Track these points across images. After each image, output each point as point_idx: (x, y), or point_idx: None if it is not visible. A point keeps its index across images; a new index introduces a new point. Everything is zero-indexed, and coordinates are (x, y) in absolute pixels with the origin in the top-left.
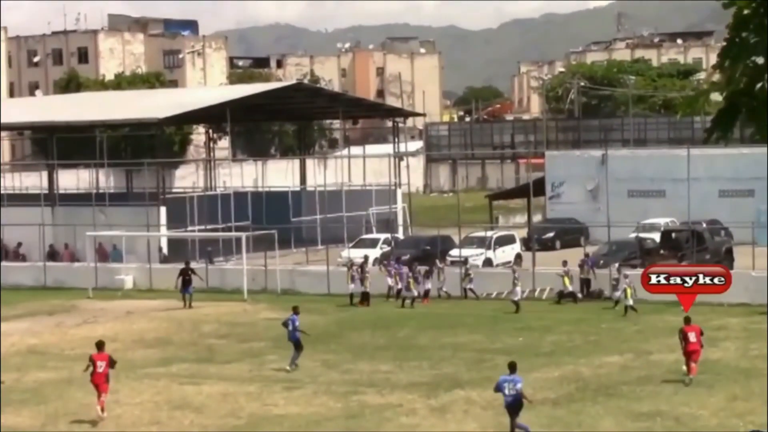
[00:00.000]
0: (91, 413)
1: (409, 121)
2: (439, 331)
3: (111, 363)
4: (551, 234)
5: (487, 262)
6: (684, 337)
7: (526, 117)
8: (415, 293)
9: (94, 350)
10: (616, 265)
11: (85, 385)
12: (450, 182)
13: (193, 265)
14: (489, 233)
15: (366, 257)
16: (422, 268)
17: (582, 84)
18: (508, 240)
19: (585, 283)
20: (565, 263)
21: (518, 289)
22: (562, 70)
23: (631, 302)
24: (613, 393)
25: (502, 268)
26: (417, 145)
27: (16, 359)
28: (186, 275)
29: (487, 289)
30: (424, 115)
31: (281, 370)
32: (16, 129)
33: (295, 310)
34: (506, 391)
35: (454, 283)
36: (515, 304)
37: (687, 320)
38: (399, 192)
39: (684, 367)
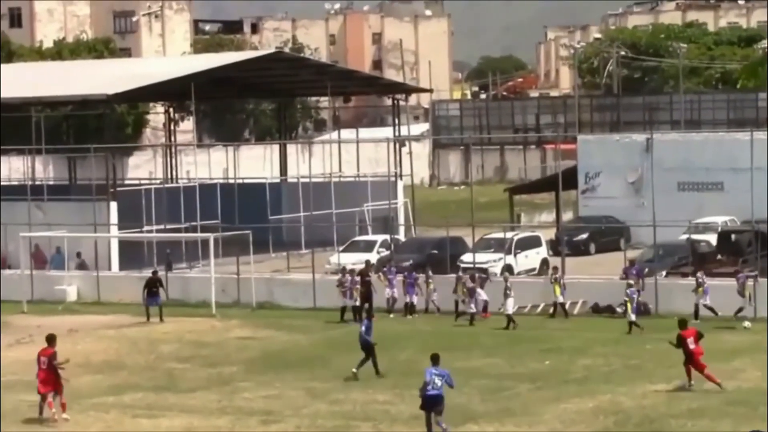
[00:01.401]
0: None
1: (413, 99)
2: (449, 354)
3: (54, 357)
4: (584, 235)
5: (507, 270)
6: (683, 343)
7: (554, 93)
8: (473, 308)
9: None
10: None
11: (17, 418)
12: (462, 172)
13: (149, 273)
14: (509, 234)
15: (368, 262)
16: (471, 275)
17: (622, 53)
18: (532, 243)
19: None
20: (555, 269)
21: (510, 300)
22: (598, 36)
23: (633, 317)
24: (659, 428)
25: (525, 276)
26: (422, 127)
27: None
28: (153, 287)
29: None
30: (430, 91)
31: (257, 399)
32: None
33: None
34: (436, 383)
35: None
36: (508, 319)
37: (682, 324)
38: (400, 184)
39: (686, 376)
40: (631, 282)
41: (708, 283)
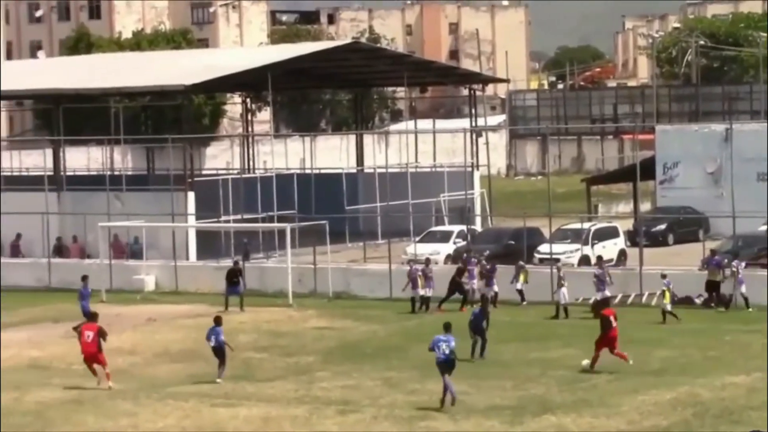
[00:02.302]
0: None
1: (489, 89)
2: (525, 344)
3: (102, 334)
4: (663, 226)
5: (584, 261)
6: (606, 323)
7: (631, 83)
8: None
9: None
10: None
11: (97, 406)
12: (539, 163)
13: (226, 262)
14: (586, 225)
15: (462, 251)
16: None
17: (701, 43)
18: (609, 233)
19: (711, 286)
20: (559, 270)
21: (564, 290)
22: (677, 25)
23: (669, 307)
24: (738, 420)
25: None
26: (499, 118)
27: (15, 375)
28: (234, 277)
29: (583, 293)
30: (507, 81)
31: (334, 389)
32: (15, 98)
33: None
34: (441, 351)
35: (543, 286)
36: (558, 310)
37: (605, 303)
38: (476, 175)
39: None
40: (665, 273)
41: None
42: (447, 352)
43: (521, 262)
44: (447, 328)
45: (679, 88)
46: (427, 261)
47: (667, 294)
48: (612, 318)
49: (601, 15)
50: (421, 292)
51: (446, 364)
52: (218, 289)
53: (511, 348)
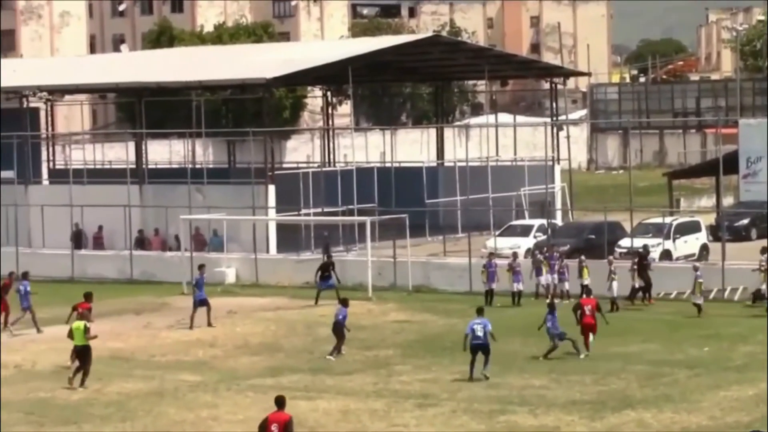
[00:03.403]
0: (186, 430)
1: (570, 82)
2: (605, 339)
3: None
4: (745, 221)
5: (666, 255)
6: (580, 309)
7: (714, 77)
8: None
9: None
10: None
11: (178, 398)
12: (620, 157)
13: (306, 255)
14: (668, 219)
15: (646, 246)
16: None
17: None
18: (691, 228)
19: None
20: (611, 263)
21: (615, 284)
22: (762, 18)
23: (700, 300)
24: None
25: (683, 261)
26: (580, 111)
27: (97, 366)
28: (326, 270)
29: (664, 288)
30: (588, 74)
31: (413, 382)
32: (98, 91)
33: (344, 303)
34: (476, 333)
35: (624, 280)
36: (612, 303)
37: (587, 292)
38: (557, 168)
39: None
40: (698, 265)
41: None
42: (481, 335)
43: (583, 257)
44: (480, 312)
45: (763, 81)
46: (515, 255)
47: (699, 287)
48: (585, 306)
49: (684, 7)
50: (517, 286)
51: (480, 348)
52: (298, 282)
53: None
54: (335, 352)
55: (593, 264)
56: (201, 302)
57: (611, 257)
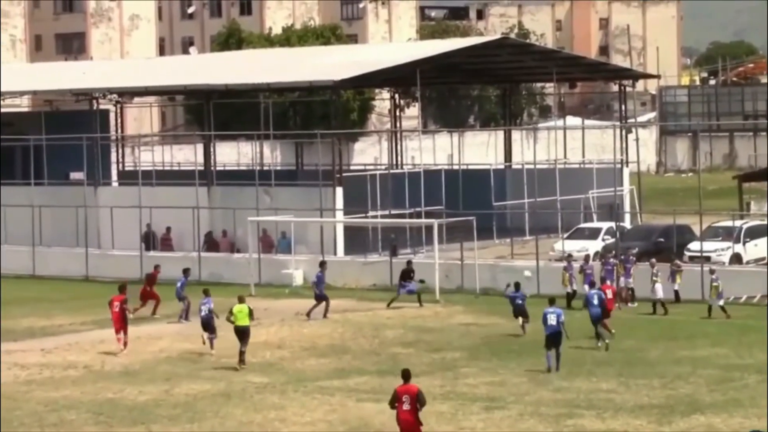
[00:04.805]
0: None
1: (640, 85)
2: (674, 343)
3: (125, 302)
4: None
5: (736, 259)
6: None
7: None
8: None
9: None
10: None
11: (245, 399)
12: (689, 159)
13: (373, 258)
14: (738, 223)
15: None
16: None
17: None
18: (761, 231)
19: None
20: (653, 265)
21: (659, 286)
22: None
23: (720, 302)
24: None
25: (754, 265)
26: (649, 114)
27: (165, 367)
28: (407, 277)
29: (734, 292)
30: (658, 77)
31: (480, 385)
32: (167, 93)
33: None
34: (549, 321)
35: (693, 284)
36: (653, 306)
37: (603, 280)
38: (626, 171)
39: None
40: (714, 268)
41: None
42: (554, 323)
43: (678, 262)
44: (552, 301)
45: None
46: (587, 258)
47: (714, 290)
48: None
49: (755, 9)
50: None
51: (555, 337)
52: (365, 284)
53: (659, 346)
54: None
55: (662, 267)
56: (320, 297)
57: (676, 261)
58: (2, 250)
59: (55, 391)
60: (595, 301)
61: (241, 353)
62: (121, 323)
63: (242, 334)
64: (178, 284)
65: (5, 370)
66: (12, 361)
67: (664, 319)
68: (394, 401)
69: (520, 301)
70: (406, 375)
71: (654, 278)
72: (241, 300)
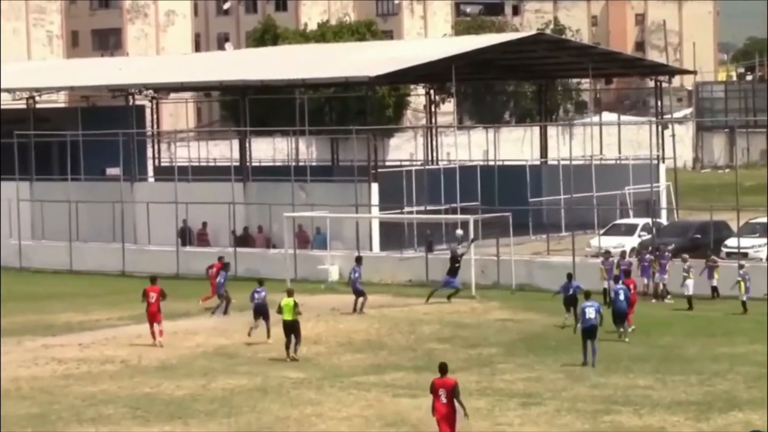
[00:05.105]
0: (289, 427)
1: (676, 81)
2: (712, 339)
3: (162, 295)
4: None
5: None
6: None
7: None
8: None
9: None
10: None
11: (282, 394)
12: (726, 155)
13: (409, 253)
14: None
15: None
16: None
17: None
18: None
19: None
20: (685, 260)
21: (690, 282)
22: None
23: (744, 297)
24: None
25: None
26: (685, 110)
27: (202, 362)
28: (453, 271)
29: None
30: (694, 72)
31: (516, 381)
32: (203, 89)
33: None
34: (587, 315)
35: (730, 281)
36: (689, 302)
37: (627, 274)
38: (662, 167)
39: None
40: (743, 263)
41: None
42: (592, 316)
43: (714, 258)
44: (587, 295)
45: None
46: (623, 254)
47: (742, 285)
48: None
49: None
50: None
51: (591, 331)
52: (401, 280)
53: (697, 343)
54: None
55: (697, 263)
56: (358, 292)
57: (713, 256)
58: (42, 244)
59: (93, 386)
60: (621, 297)
61: (287, 346)
62: (158, 314)
63: (289, 328)
64: (220, 279)
65: (43, 365)
66: (50, 356)
67: (701, 315)
68: (433, 392)
69: (571, 292)
70: (443, 368)
71: (685, 274)
72: (289, 294)
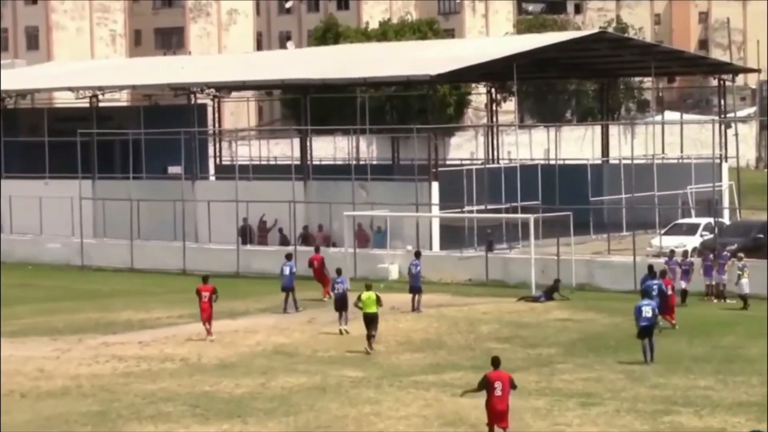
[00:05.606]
0: (347, 426)
1: (740, 79)
2: None
3: (215, 293)
4: None
5: None
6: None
7: None
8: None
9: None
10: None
11: (340, 393)
12: None
13: (469, 253)
14: None
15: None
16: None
17: None
18: None
19: None
20: (740, 258)
21: (744, 281)
22: None
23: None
24: None
25: None
26: (749, 109)
27: (261, 361)
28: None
29: None
30: (758, 71)
31: (575, 381)
32: (264, 88)
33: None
34: (644, 314)
35: None
36: (743, 300)
37: (663, 273)
38: (725, 166)
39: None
40: (742, 255)
41: None
42: (650, 315)
43: (741, 255)
44: (645, 294)
45: None
46: (685, 253)
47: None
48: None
49: None
50: (683, 285)
51: (648, 329)
52: (461, 279)
53: (759, 344)
54: None
55: (762, 263)
56: (414, 289)
57: (740, 254)
58: (104, 243)
59: (153, 384)
60: (654, 292)
61: (369, 338)
62: (210, 312)
63: (370, 320)
64: (287, 272)
65: (104, 363)
66: (110, 354)
67: (764, 316)
68: (486, 386)
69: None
70: (495, 362)
71: (739, 272)
72: (368, 287)
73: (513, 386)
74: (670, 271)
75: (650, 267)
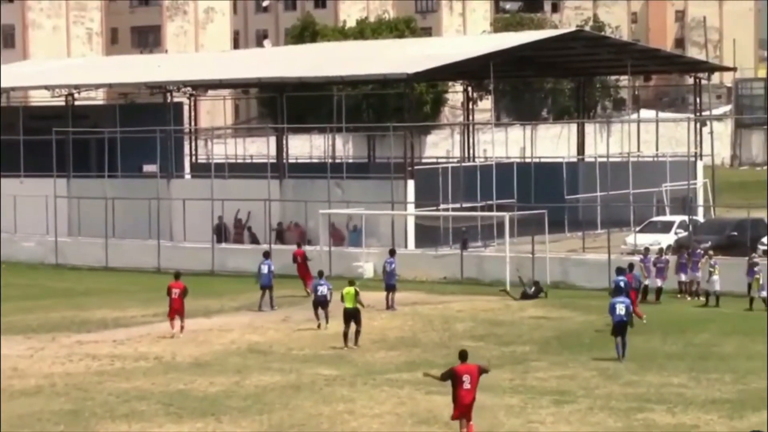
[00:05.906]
0: (321, 424)
1: (715, 77)
2: (747, 338)
3: (185, 291)
4: None
5: None
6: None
7: None
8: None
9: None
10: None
11: (315, 391)
12: (765, 153)
13: (444, 251)
14: None
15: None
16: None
17: None
18: None
19: None
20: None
21: (715, 278)
22: None
23: (764, 293)
24: None
25: None
26: (724, 107)
27: (236, 359)
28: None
29: None
30: (734, 69)
31: (549, 379)
32: (241, 86)
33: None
34: (617, 313)
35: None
36: (706, 297)
37: (631, 267)
38: (700, 164)
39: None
40: (757, 261)
41: None
42: (623, 313)
43: (754, 255)
44: (618, 291)
45: None
46: (660, 251)
47: (756, 282)
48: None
49: None
50: (658, 282)
51: (621, 326)
52: (435, 277)
53: (732, 341)
54: None
55: (736, 261)
56: (389, 287)
57: (754, 255)
58: (79, 241)
59: (126, 382)
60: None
61: (345, 335)
62: (180, 309)
63: (348, 316)
64: (265, 271)
65: (77, 361)
66: (84, 352)
67: (737, 313)
68: (452, 379)
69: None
70: (463, 355)
71: (711, 269)
72: (351, 283)
73: (484, 371)
74: (645, 269)
75: (618, 269)
